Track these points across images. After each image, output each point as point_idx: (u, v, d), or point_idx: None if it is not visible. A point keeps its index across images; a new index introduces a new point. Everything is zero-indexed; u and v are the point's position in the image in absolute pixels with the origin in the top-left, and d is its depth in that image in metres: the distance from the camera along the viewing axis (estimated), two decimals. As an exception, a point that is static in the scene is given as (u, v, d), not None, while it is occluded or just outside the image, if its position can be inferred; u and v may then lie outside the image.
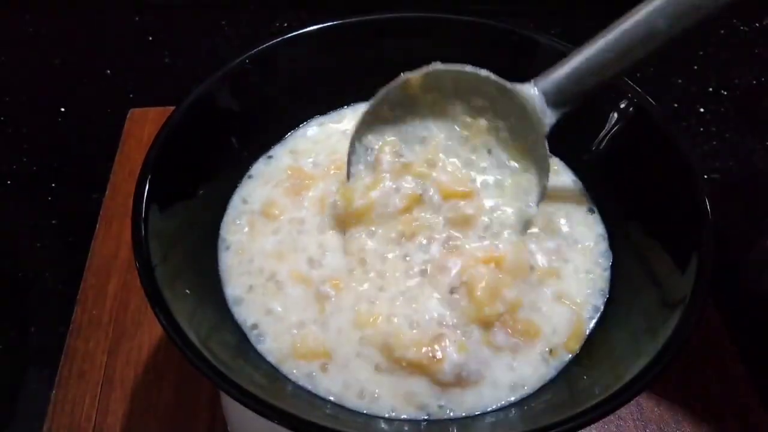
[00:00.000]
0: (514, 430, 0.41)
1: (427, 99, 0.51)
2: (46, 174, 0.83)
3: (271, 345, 0.46)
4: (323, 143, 0.58)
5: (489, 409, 0.43)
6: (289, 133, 0.59)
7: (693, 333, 0.39)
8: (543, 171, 0.50)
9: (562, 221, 0.52)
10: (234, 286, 0.49)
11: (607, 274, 0.50)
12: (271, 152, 0.57)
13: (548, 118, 0.48)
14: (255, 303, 0.48)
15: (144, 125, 0.82)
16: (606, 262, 0.51)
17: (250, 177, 0.55)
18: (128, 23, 1.07)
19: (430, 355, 0.42)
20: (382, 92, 0.49)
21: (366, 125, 0.50)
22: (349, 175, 0.51)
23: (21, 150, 0.86)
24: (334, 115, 0.60)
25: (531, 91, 0.47)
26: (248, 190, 0.54)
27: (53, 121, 0.90)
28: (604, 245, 0.52)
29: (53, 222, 0.78)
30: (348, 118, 0.59)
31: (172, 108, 0.50)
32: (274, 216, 0.52)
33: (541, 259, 0.49)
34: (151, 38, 1.04)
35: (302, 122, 0.59)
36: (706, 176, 0.85)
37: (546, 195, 0.50)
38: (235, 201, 0.54)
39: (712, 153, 0.89)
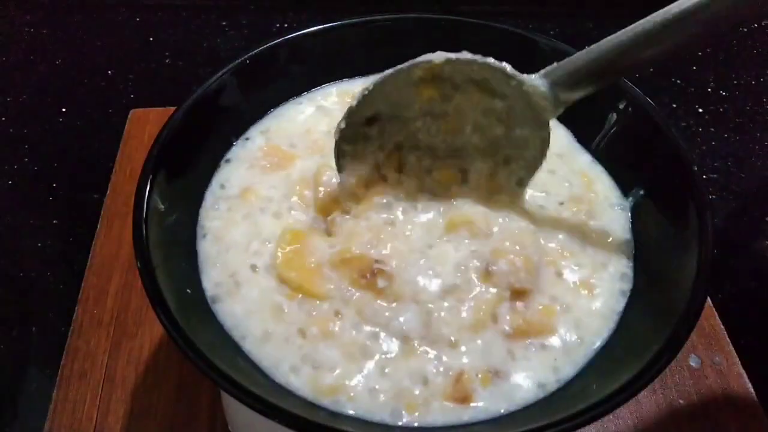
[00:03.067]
0: (515, 428, 0.41)
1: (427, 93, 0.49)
2: (47, 174, 0.83)
3: (251, 346, 0.45)
4: (296, 121, 0.58)
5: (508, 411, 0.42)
6: (264, 115, 0.58)
7: (688, 335, 0.39)
8: (539, 151, 0.49)
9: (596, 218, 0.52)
10: (208, 281, 0.47)
11: (631, 265, 0.49)
12: (248, 134, 0.57)
13: (553, 106, 0.46)
14: (225, 300, 0.46)
15: (145, 126, 0.82)
16: (630, 251, 0.50)
17: (227, 161, 0.55)
18: (129, 24, 1.07)
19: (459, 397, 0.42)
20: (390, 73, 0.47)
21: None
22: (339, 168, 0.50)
23: (22, 150, 0.86)
24: (308, 95, 0.60)
25: (538, 81, 0.46)
26: (226, 175, 0.54)
27: (54, 122, 0.90)
28: (629, 235, 0.51)
29: (54, 222, 0.78)
30: (320, 96, 0.60)
31: (173, 108, 0.50)
32: (248, 200, 0.52)
33: (574, 272, 0.49)
34: (152, 39, 1.04)
35: (278, 104, 0.59)
36: (705, 176, 0.85)
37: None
38: (214, 186, 0.53)
39: (711, 153, 0.89)
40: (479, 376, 0.42)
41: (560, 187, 0.53)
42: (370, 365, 0.43)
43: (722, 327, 0.66)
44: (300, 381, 0.42)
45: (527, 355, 0.44)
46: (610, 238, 0.51)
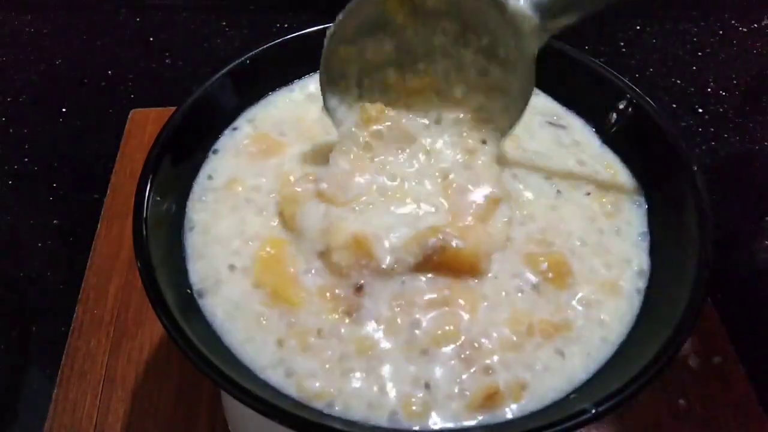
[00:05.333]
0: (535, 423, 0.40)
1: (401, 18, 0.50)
2: (47, 174, 0.83)
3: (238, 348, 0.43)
4: (285, 109, 0.57)
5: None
6: (254, 104, 0.57)
7: (689, 335, 0.39)
8: (522, 95, 0.49)
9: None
10: (194, 275, 0.46)
11: (648, 262, 0.48)
12: (236, 124, 0.56)
13: (537, 36, 0.46)
14: (207, 296, 0.45)
15: (145, 126, 0.82)
16: (647, 246, 0.49)
17: (215, 152, 0.54)
18: (129, 24, 1.07)
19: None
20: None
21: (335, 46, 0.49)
22: (325, 101, 0.51)
23: (22, 150, 0.86)
24: (299, 83, 0.59)
25: (521, 4, 0.45)
26: (214, 165, 0.53)
27: (54, 122, 0.90)
28: (646, 228, 0.50)
29: (54, 222, 0.78)
30: (312, 83, 0.59)
31: (173, 108, 0.50)
32: (234, 190, 0.51)
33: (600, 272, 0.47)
34: (152, 39, 1.04)
35: (268, 93, 0.58)
36: (705, 176, 0.85)
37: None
38: (201, 177, 0.52)
39: (710, 153, 0.89)
40: (511, 391, 0.41)
41: (588, 178, 0.53)
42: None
43: (722, 327, 0.66)
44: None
45: (552, 362, 0.43)
46: (633, 232, 0.50)
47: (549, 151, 0.54)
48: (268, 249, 0.47)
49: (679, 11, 1.10)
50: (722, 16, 1.10)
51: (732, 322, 0.66)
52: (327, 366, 0.41)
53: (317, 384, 0.41)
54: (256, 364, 0.42)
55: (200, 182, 0.52)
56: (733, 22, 1.09)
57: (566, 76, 0.56)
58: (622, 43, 1.03)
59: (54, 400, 0.59)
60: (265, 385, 0.41)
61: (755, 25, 1.09)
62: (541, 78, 0.53)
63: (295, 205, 0.48)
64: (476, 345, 0.42)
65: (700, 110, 0.94)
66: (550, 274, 0.46)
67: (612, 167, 0.54)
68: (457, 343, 0.42)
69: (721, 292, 0.72)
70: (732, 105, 0.95)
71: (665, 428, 0.59)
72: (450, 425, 0.40)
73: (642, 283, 0.47)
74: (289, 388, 0.41)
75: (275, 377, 0.41)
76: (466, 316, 0.43)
